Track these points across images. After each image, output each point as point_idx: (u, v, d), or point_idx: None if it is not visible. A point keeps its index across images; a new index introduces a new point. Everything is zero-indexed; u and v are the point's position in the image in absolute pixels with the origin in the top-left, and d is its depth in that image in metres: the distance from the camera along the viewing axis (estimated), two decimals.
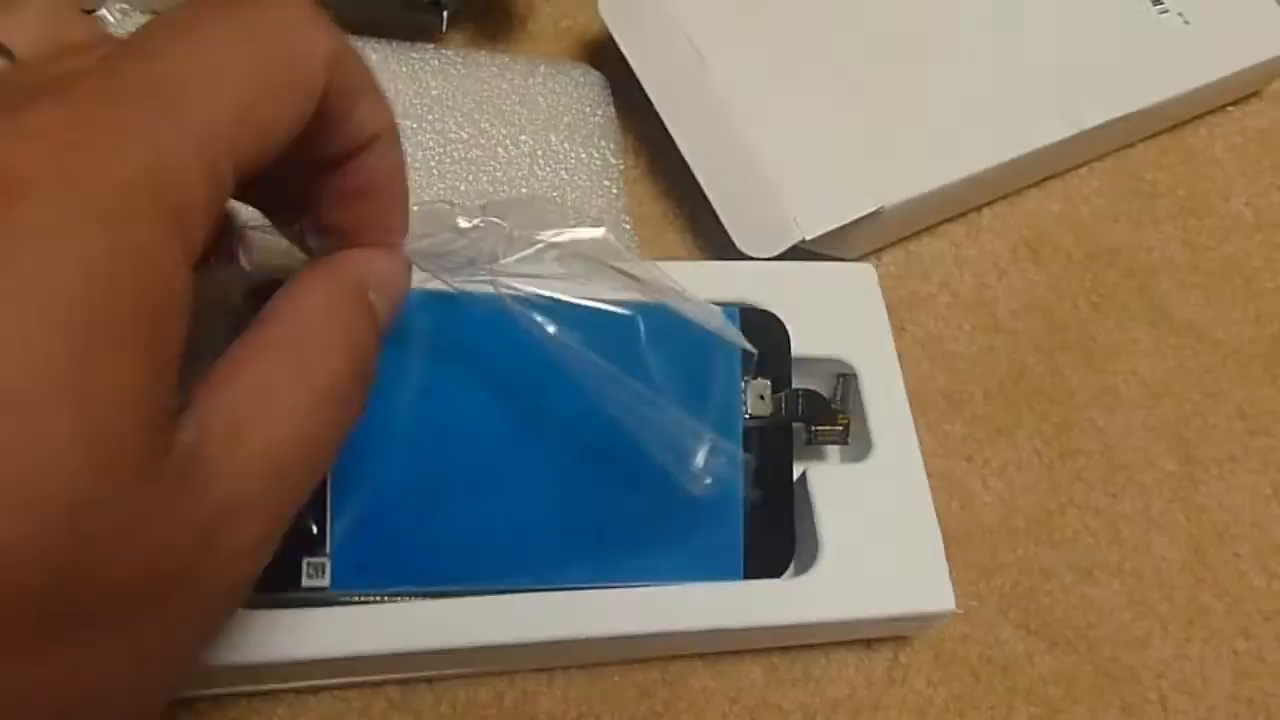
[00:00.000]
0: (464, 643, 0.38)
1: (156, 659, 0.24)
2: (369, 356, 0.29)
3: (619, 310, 0.38)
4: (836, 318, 0.47)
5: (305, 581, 0.37)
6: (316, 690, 0.41)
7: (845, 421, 0.44)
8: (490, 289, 0.35)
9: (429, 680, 0.42)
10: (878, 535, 0.43)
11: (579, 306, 0.37)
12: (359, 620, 0.37)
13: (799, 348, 0.45)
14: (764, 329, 0.43)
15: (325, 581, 0.37)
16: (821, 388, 0.46)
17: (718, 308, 0.39)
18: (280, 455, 0.26)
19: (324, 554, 0.37)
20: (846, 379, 0.46)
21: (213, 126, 0.23)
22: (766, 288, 0.46)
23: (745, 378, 0.42)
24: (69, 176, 0.21)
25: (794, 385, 0.43)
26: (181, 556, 0.23)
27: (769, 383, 0.42)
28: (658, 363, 0.39)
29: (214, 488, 0.24)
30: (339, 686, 0.41)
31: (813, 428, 0.44)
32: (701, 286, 0.45)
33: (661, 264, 0.44)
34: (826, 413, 0.44)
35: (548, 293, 0.35)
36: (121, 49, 0.24)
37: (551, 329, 0.35)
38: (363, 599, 0.38)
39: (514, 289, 0.35)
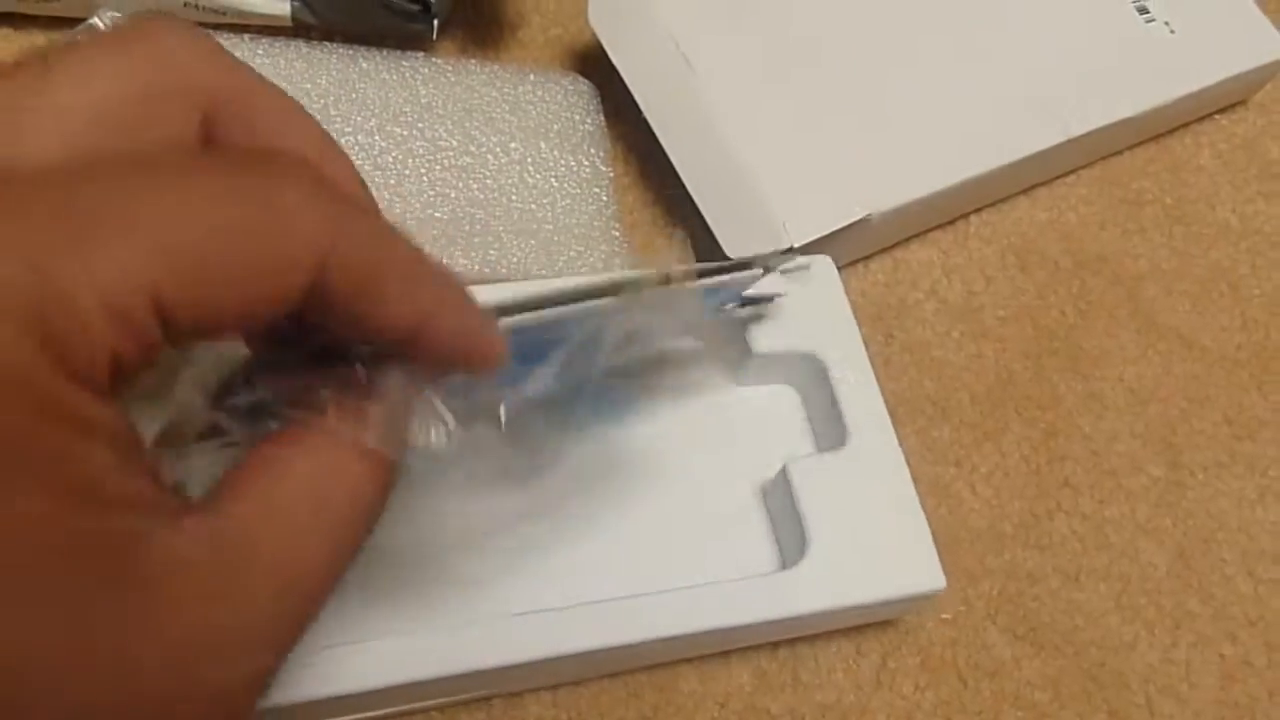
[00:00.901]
0: (454, 670, 0.38)
1: None
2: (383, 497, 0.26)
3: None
4: (800, 311, 0.47)
5: None
6: None
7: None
8: None
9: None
10: (862, 521, 0.43)
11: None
12: (347, 660, 0.37)
13: (766, 344, 0.46)
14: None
15: None
16: (793, 379, 0.47)
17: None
18: (295, 582, 0.24)
19: None
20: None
21: (132, 275, 0.20)
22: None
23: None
24: None
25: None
26: (139, 680, 0.21)
27: None
28: None
29: (204, 608, 0.22)
30: None
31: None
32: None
33: (620, 273, 0.44)
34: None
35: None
36: (69, 174, 0.22)
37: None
38: None
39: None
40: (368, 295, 0.24)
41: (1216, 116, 0.64)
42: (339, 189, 0.24)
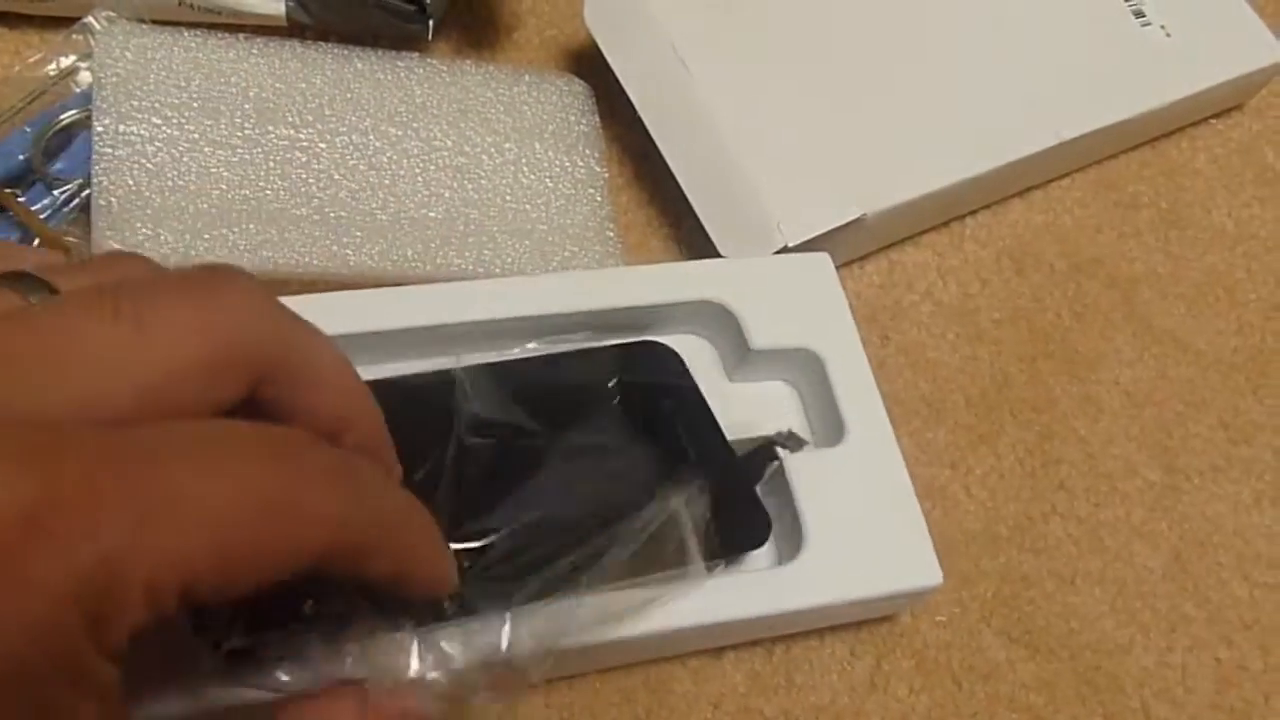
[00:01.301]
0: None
1: None
2: None
3: None
4: (798, 308, 0.47)
5: None
6: None
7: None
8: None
9: None
10: (859, 517, 0.43)
11: None
12: None
13: (764, 341, 0.46)
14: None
15: None
16: (789, 376, 0.48)
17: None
18: None
19: None
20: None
21: (176, 557, 0.22)
22: (724, 284, 0.47)
23: None
24: (6, 572, 0.21)
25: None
26: None
27: None
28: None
29: None
30: None
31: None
32: (660, 288, 0.47)
33: (625, 269, 0.50)
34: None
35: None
36: (141, 435, 0.23)
37: None
38: None
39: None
40: (363, 560, 0.26)
41: (1212, 121, 0.64)
42: (357, 461, 0.27)
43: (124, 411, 0.24)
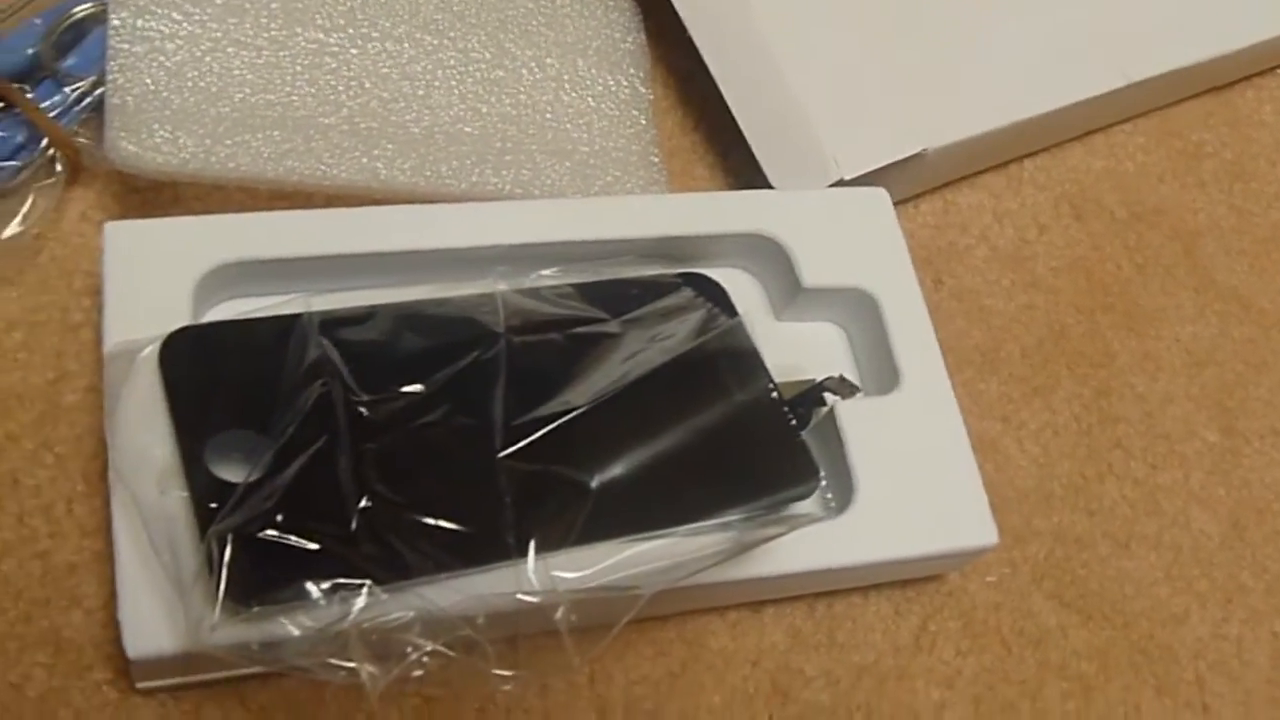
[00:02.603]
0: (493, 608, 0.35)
1: None
2: None
3: None
4: (852, 245, 0.45)
5: None
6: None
7: None
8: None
9: None
10: (913, 469, 0.41)
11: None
12: None
13: (816, 279, 0.44)
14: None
15: None
16: (840, 318, 0.45)
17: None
18: None
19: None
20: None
21: None
22: (775, 216, 0.44)
23: None
24: None
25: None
26: None
27: None
28: None
29: None
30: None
31: None
32: (707, 218, 0.44)
33: (671, 196, 0.48)
34: None
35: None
36: None
37: None
38: None
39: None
40: None
41: (1278, 70, 0.62)
42: None
43: None
